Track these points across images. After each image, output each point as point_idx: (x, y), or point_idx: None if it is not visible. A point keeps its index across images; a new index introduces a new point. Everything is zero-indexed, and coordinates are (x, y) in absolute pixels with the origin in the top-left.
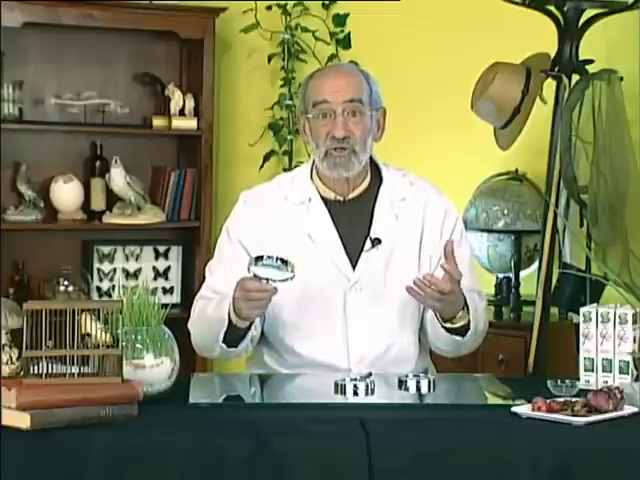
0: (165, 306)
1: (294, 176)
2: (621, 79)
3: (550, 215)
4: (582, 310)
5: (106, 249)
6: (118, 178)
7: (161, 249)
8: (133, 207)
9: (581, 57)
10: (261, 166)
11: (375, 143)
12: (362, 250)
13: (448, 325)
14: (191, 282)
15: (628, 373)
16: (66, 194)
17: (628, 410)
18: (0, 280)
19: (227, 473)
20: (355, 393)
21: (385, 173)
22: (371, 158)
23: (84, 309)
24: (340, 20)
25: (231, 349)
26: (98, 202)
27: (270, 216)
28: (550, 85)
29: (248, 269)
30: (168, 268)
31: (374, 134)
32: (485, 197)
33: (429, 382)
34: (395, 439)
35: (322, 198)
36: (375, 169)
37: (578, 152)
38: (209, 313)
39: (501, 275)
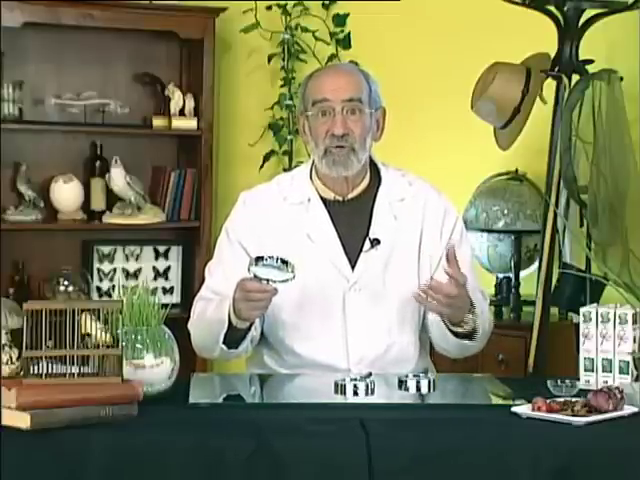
0: (165, 306)
1: (293, 176)
2: (621, 79)
3: (550, 215)
4: (582, 310)
5: (106, 249)
6: (118, 178)
7: (161, 249)
8: (133, 207)
9: (581, 57)
10: (261, 166)
11: (375, 143)
12: (361, 250)
13: (456, 329)
14: (191, 282)
15: (628, 373)
16: (66, 194)
17: (628, 410)
18: (0, 280)
19: (227, 473)
20: (355, 393)
21: (384, 173)
22: (370, 158)
23: (84, 309)
24: (340, 20)
25: (231, 350)
26: (98, 202)
27: (269, 216)
28: (550, 85)
29: (248, 269)
30: (168, 268)
31: (373, 133)
32: (485, 197)
33: (429, 382)
34: (395, 439)
35: (321, 198)
36: (374, 169)
37: (578, 152)
38: (209, 314)
39: (501, 275)
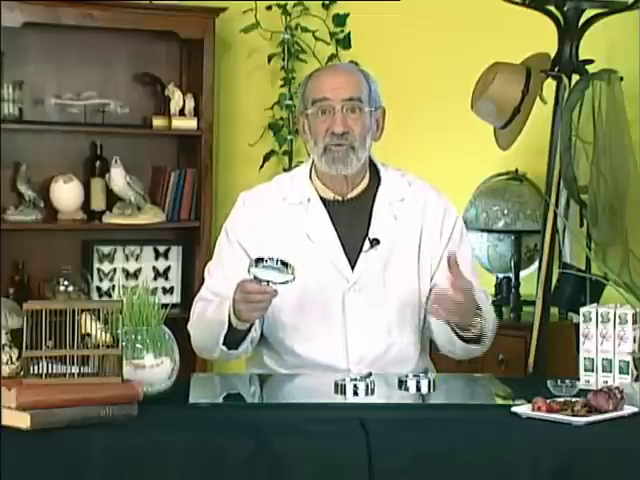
0: (165, 306)
1: (293, 176)
2: (621, 79)
3: (550, 215)
4: (582, 310)
5: (106, 249)
6: (118, 178)
7: (161, 249)
8: (133, 207)
9: (581, 57)
10: (261, 166)
11: (374, 143)
12: (361, 250)
13: (464, 334)
14: (191, 282)
15: (628, 373)
16: (66, 194)
17: (628, 410)
18: (0, 280)
19: (227, 473)
20: (355, 393)
21: (383, 173)
22: (369, 159)
23: (84, 309)
24: (340, 20)
25: (231, 351)
26: (98, 202)
27: (269, 216)
28: (550, 85)
29: (248, 271)
30: (168, 268)
31: (373, 133)
32: (485, 197)
33: (429, 382)
34: (395, 439)
35: (321, 198)
36: (373, 169)
37: (578, 152)
38: (209, 315)
39: (501, 275)
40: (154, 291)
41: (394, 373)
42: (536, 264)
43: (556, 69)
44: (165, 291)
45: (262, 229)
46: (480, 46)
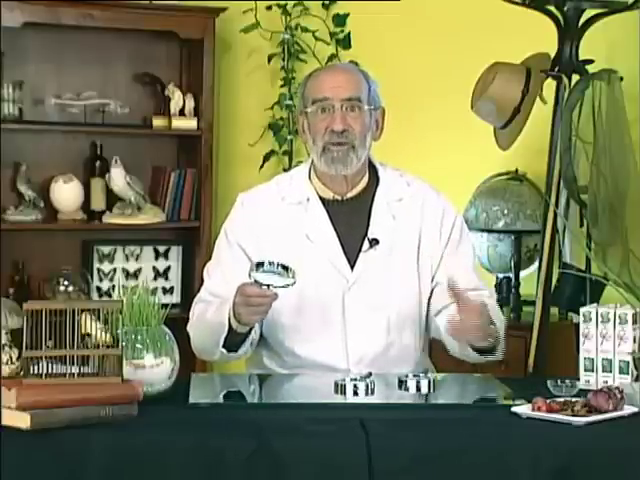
0: (165, 306)
1: (292, 176)
2: (621, 79)
3: (550, 215)
4: (582, 310)
5: (106, 249)
6: (118, 178)
7: (161, 249)
8: (133, 207)
9: (581, 57)
10: (261, 166)
11: (374, 143)
12: (360, 250)
13: (478, 346)
14: (191, 282)
15: (628, 373)
16: (66, 194)
17: (628, 410)
18: (0, 280)
19: (227, 473)
20: (355, 393)
21: (382, 173)
22: (368, 158)
23: (84, 309)
24: (340, 20)
25: (231, 354)
26: (98, 202)
27: (268, 217)
28: (550, 85)
29: (249, 275)
30: (168, 268)
31: (373, 133)
32: (485, 197)
33: (429, 382)
34: (395, 439)
35: (320, 198)
36: (372, 169)
37: (578, 152)
38: (209, 317)
39: (501, 275)
40: (154, 291)
41: (394, 373)
42: (536, 264)
43: (556, 69)
44: (165, 291)
45: (261, 229)
46: (480, 46)
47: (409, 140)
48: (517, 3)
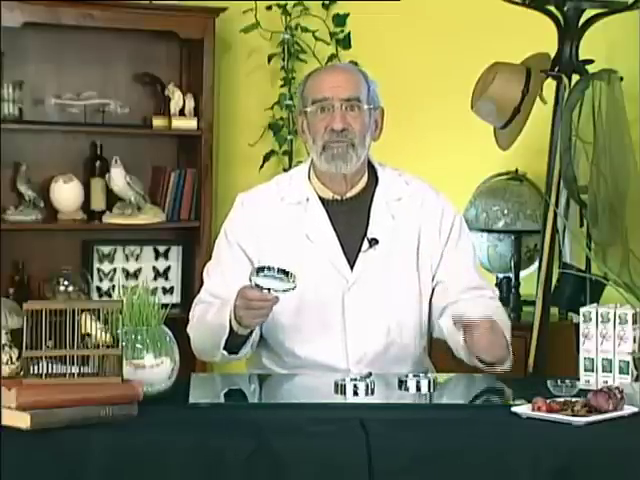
0: (165, 306)
1: (292, 176)
2: (621, 79)
3: (550, 215)
4: (582, 310)
5: (106, 249)
6: (118, 178)
7: (161, 249)
8: (133, 207)
9: (581, 57)
10: (261, 166)
11: (373, 143)
12: (360, 250)
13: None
14: (191, 282)
15: (628, 373)
16: (66, 194)
17: (628, 410)
18: (0, 280)
19: (227, 473)
20: (355, 393)
21: (381, 173)
22: (368, 159)
23: (84, 309)
24: (340, 20)
25: (232, 355)
26: (98, 202)
27: (268, 217)
28: (550, 85)
29: (249, 279)
30: (168, 268)
31: (372, 133)
32: (485, 197)
33: (429, 382)
34: (395, 439)
35: (320, 198)
36: (371, 169)
37: (578, 152)
38: (209, 319)
39: (501, 275)
40: (154, 291)
41: (394, 373)
42: (536, 264)
43: (556, 69)
44: (165, 291)
45: (261, 229)
46: (480, 46)
47: (409, 140)
48: (517, 3)
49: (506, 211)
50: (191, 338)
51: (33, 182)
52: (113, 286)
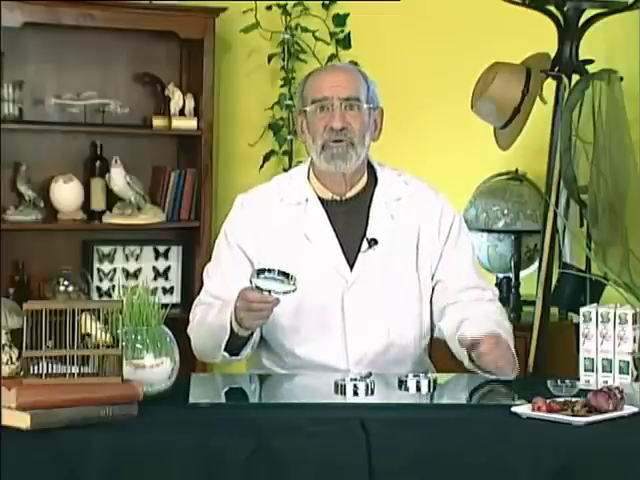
0: (165, 306)
1: (291, 176)
2: (621, 79)
3: (550, 215)
4: (582, 310)
5: (106, 249)
6: (118, 178)
7: (161, 249)
8: (133, 207)
9: (581, 57)
10: (261, 166)
11: (373, 143)
12: (359, 250)
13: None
14: (191, 282)
15: (628, 373)
16: (66, 194)
17: (628, 410)
18: (0, 280)
19: (227, 473)
20: (355, 393)
21: (380, 173)
22: (367, 159)
23: (84, 309)
24: (340, 20)
25: (233, 357)
26: (98, 202)
27: (267, 217)
28: (550, 85)
29: (250, 281)
30: (168, 268)
31: (371, 132)
32: (485, 197)
33: (429, 382)
34: (395, 439)
35: (319, 198)
36: (370, 169)
37: (578, 152)
38: (210, 321)
39: (501, 275)
40: (154, 291)
41: (394, 373)
42: (536, 264)
43: (556, 69)
44: (165, 291)
45: (261, 230)
46: (480, 46)
47: (409, 140)
48: (517, 3)
49: (506, 211)
50: (192, 340)
51: (33, 182)
52: (113, 286)
